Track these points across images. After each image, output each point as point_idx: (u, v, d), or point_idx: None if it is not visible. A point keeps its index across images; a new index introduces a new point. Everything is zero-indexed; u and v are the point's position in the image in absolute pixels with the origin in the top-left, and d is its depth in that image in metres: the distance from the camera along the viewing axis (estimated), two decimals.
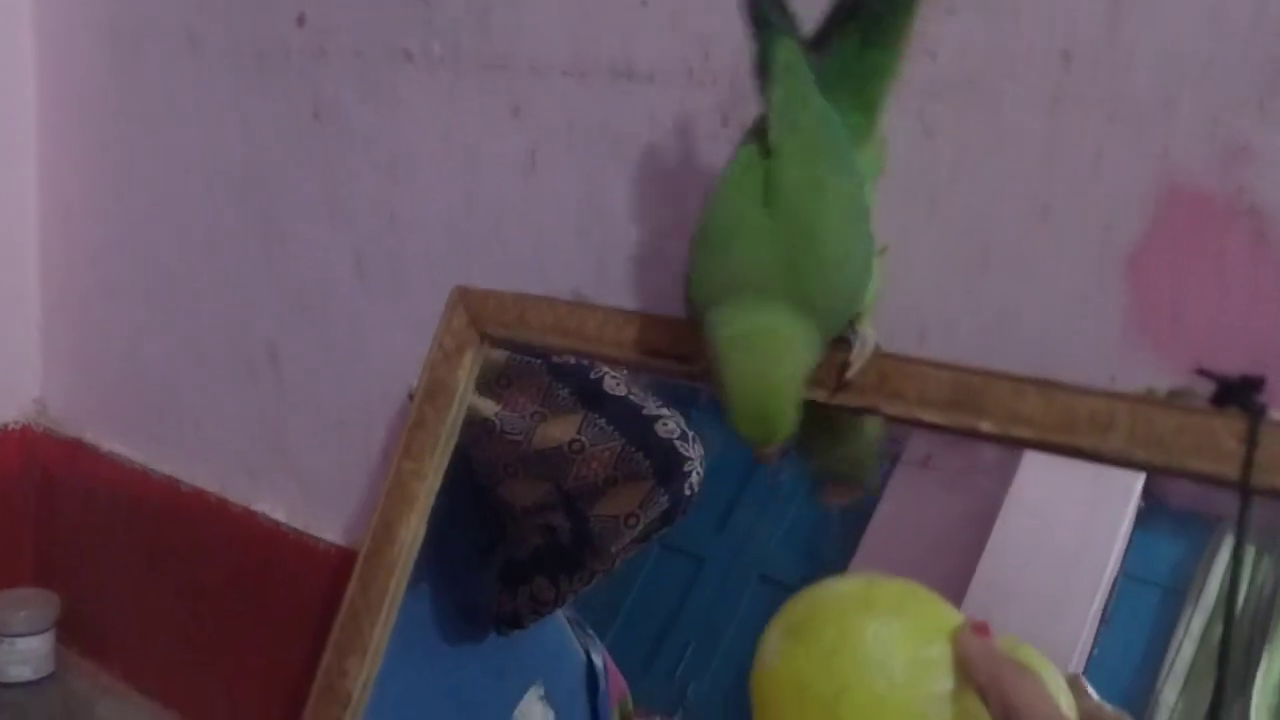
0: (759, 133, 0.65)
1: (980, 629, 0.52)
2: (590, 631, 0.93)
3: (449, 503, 0.92)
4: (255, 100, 1.10)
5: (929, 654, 0.52)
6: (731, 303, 0.62)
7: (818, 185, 0.63)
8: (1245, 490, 0.57)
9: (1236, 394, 0.58)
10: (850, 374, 0.66)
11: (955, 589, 0.68)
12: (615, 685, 0.91)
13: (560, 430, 0.86)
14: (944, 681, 0.51)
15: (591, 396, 0.86)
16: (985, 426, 0.64)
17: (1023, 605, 0.71)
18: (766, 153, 0.63)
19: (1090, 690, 0.65)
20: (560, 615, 0.92)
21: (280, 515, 1.14)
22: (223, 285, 1.17)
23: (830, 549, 0.81)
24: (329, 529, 1.10)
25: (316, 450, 1.11)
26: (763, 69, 0.66)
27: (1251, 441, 0.57)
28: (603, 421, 0.85)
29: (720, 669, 0.84)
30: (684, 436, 0.84)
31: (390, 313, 1.02)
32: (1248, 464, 0.57)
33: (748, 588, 0.85)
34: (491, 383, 0.88)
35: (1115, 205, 0.64)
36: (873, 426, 0.71)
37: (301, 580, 1.11)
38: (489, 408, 0.87)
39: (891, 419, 0.67)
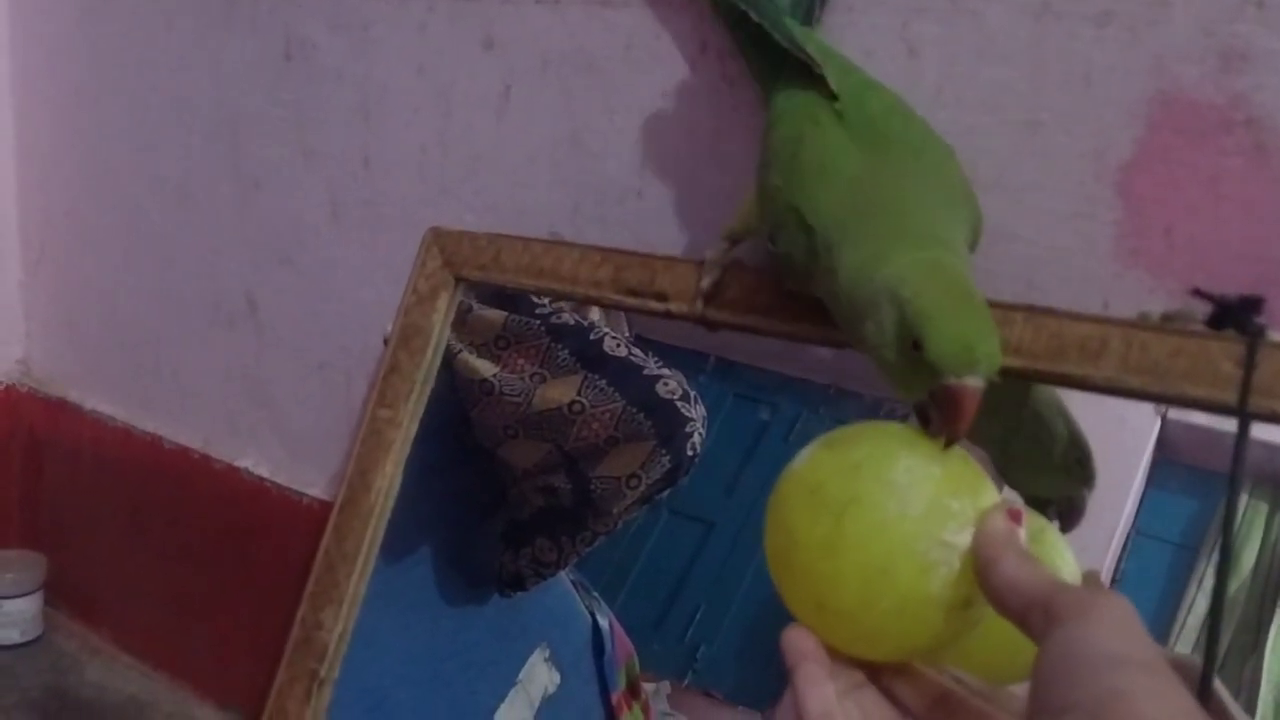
0: (801, 79, 0.62)
1: (1014, 515, 0.49)
2: (596, 594, 0.93)
3: (450, 464, 0.91)
4: (226, 41, 1.07)
5: (952, 505, 0.49)
6: (867, 242, 0.54)
7: (911, 119, 0.60)
8: (1243, 415, 0.54)
9: (1234, 316, 0.55)
10: None
11: None
12: (621, 648, 0.91)
13: (560, 391, 0.85)
14: (956, 534, 0.49)
15: (592, 357, 0.85)
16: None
17: None
18: (833, 97, 0.60)
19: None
20: (565, 578, 0.91)
21: (264, 471, 1.12)
22: (199, 233, 1.14)
23: None
24: (312, 484, 1.08)
25: (298, 402, 1.09)
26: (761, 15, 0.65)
27: (1249, 365, 0.54)
28: (603, 382, 0.84)
29: (729, 632, 0.84)
30: (685, 397, 0.82)
31: (367, 256, 1.00)
32: (1245, 388, 0.54)
33: (757, 551, 0.82)
34: (490, 344, 0.86)
35: (1106, 119, 0.61)
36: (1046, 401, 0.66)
37: (286, 536, 1.09)
38: (488, 369, 0.86)
39: None
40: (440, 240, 0.83)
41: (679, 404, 0.82)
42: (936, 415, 0.51)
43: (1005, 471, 0.67)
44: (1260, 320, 0.54)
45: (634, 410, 0.83)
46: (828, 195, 0.57)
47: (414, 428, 0.82)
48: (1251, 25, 0.56)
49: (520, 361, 0.86)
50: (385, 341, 0.84)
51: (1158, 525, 0.69)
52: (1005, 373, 0.59)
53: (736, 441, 0.86)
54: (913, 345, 0.50)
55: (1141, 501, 0.69)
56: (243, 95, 1.07)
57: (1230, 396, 0.54)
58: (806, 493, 0.52)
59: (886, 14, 0.67)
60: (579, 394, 0.84)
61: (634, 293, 0.74)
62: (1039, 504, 0.66)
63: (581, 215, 0.84)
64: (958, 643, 0.51)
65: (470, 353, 0.87)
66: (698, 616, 0.85)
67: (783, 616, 0.82)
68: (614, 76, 0.81)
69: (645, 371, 0.84)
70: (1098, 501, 0.69)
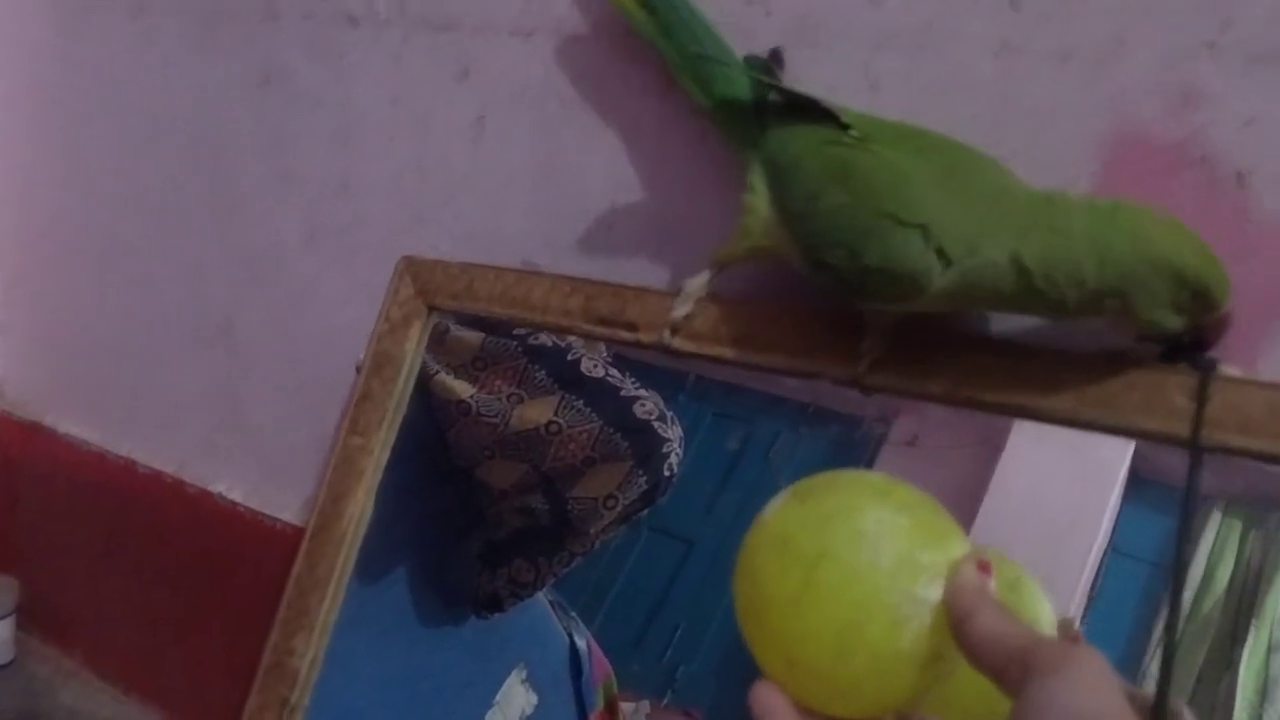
0: (793, 119, 0.64)
1: (983, 566, 0.50)
2: (573, 614, 0.93)
3: (426, 486, 0.91)
4: (205, 66, 1.08)
5: (922, 558, 0.50)
6: (1031, 229, 0.54)
7: (917, 130, 0.62)
8: (1196, 448, 0.55)
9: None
10: None
11: None
12: (599, 668, 0.91)
13: (537, 412, 0.85)
14: (927, 589, 0.49)
15: (569, 378, 0.85)
16: (933, 388, 0.62)
17: None
18: (842, 127, 0.60)
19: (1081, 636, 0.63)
20: (542, 598, 0.91)
21: (238, 495, 1.12)
22: (176, 256, 1.14)
23: None
24: (286, 508, 1.07)
25: (274, 426, 1.09)
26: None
27: (1202, 398, 0.55)
28: (580, 403, 0.85)
29: (709, 651, 0.85)
30: (662, 417, 0.83)
31: (344, 281, 1.00)
32: (1198, 421, 0.55)
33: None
34: (467, 365, 0.87)
35: (1065, 154, 0.61)
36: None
37: (260, 561, 1.09)
38: (465, 390, 0.87)
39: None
40: (413, 269, 0.83)
41: (656, 424, 0.83)
42: (1201, 340, 0.54)
43: None
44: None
45: (611, 431, 0.83)
46: (925, 198, 0.56)
47: (385, 455, 0.82)
48: (1206, 64, 0.57)
49: (497, 382, 0.86)
50: (357, 369, 0.85)
51: (1134, 543, 0.69)
52: (955, 401, 0.60)
53: (716, 460, 0.87)
54: (1192, 296, 0.52)
55: (1118, 519, 0.69)
56: (221, 119, 1.08)
57: (1183, 429, 0.55)
58: (776, 545, 0.52)
59: (850, 49, 0.68)
60: (556, 415, 0.85)
61: (604, 322, 0.75)
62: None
63: (556, 244, 0.85)
64: (930, 696, 0.51)
65: (447, 374, 0.87)
66: (677, 635, 0.86)
67: None
68: (587, 108, 0.82)
69: (623, 392, 0.84)
70: (1073, 520, 0.70)
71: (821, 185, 0.60)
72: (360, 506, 0.81)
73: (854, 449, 0.81)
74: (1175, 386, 0.56)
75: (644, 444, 0.83)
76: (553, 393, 0.85)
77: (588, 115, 0.82)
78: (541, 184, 0.85)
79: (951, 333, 0.61)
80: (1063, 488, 0.71)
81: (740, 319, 0.69)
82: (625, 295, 0.74)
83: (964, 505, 0.71)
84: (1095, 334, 0.61)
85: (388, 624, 0.91)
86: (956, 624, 0.48)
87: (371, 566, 0.88)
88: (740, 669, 0.84)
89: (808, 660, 0.50)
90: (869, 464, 0.79)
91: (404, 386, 0.82)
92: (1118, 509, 0.69)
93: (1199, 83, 0.57)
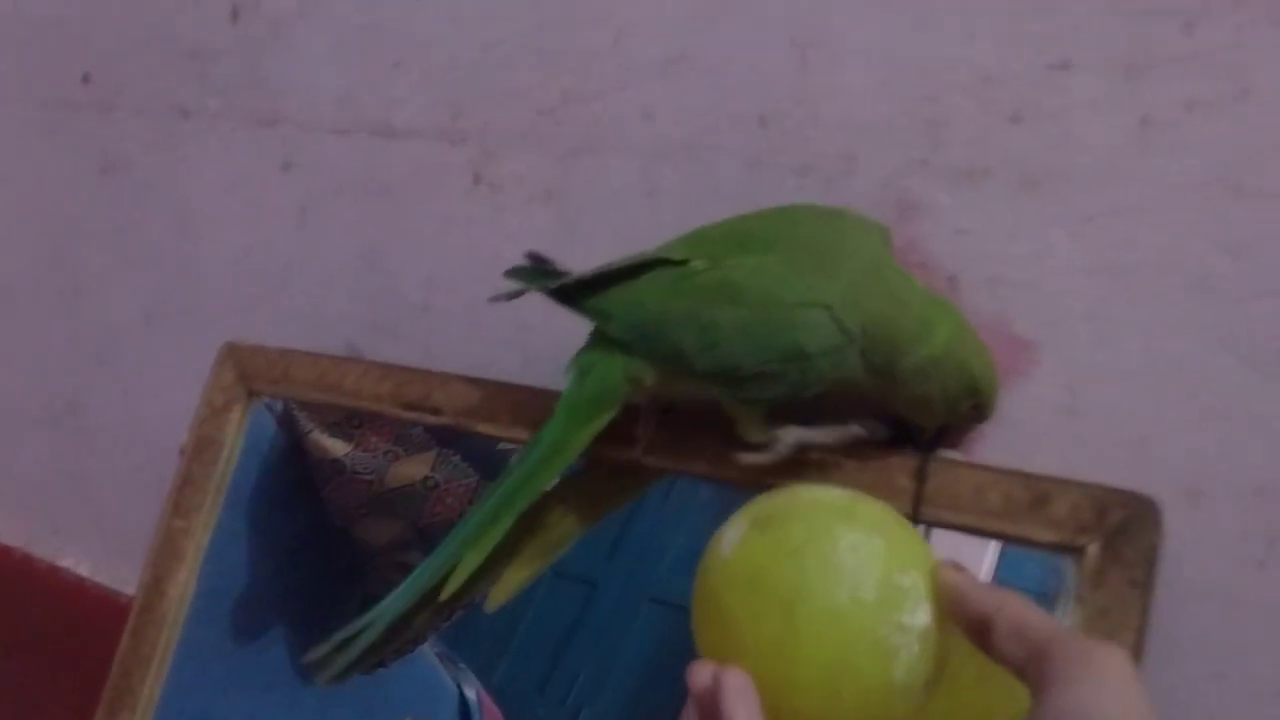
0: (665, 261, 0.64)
1: (957, 567, 0.49)
2: (462, 665, 0.93)
3: (306, 543, 0.92)
4: (46, 155, 1.11)
5: (903, 581, 0.48)
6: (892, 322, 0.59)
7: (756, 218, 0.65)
8: (915, 523, 0.61)
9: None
10: None
11: None
12: (490, 717, 0.92)
13: (413, 468, 0.86)
14: (913, 615, 0.47)
15: (446, 433, 0.86)
16: (699, 467, 0.68)
17: None
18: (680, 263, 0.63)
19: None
20: (428, 651, 0.92)
21: (84, 570, 1.13)
22: (20, 337, 1.16)
23: None
24: (130, 582, 1.09)
25: (119, 502, 1.11)
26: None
27: (921, 478, 0.61)
28: (457, 458, 0.86)
29: (613, 693, 0.85)
30: None
31: (182, 363, 1.03)
32: (918, 499, 0.61)
33: (640, 611, 0.87)
34: (343, 422, 0.88)
35: None
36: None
37: (105, 635, 1.10)
38: (339, 448, 0.88)
39: None
40: (234, 355, 0.87)
41: None
42: (962, 427, 0.61)
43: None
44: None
45: (489, 484, 0.85)
46: (809, 283, 0.59)
47: (207, 537, 0.85)
48: (921, 180, 0.64)
49: (373, 439, 0.87)
50: (181, 452, 0.88)
51: (1018, 576, 0.70)
52: (717, 478, 0.66)
53: None
54: (972, 405, 0.59)
55: (1002, 551, 0.70)
56: (63, 205, 1.10)
57: (906, 507, 0.61)
58: (745, 585, 0.49)
59: (629, 158, 0.74)
60: (432, 470, 0.86)
61: (412, 407, 0.79)
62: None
63: (377, 329, 0.89)
64: (922, 715, 0.49)
65: (322, 432, 0.88)
66: (580, 679, 0.86)
67: (666, 672, 0.84)
68: (402, 200, 0.87)
69: (500, 446, 0.84)
70: (959, 554, 0.74)
71: (710, 314, 0.60)
72: (182, 587, 0.84)
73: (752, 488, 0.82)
74: (899, 468, 0.62)
75: None
76: (429, 448, 0.86)
77: (403, 208, 0.87)
78: (362, 272, 0.89)
79: (704, 419, 0.66)
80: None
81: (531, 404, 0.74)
82: (431, 381, 0.79)
83: None
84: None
85: (268, 683, 0.91)
86: (980, 628, 0.46)
87: (251, 626, 0.90)
88: (645, 711, 0.86)
89: (795, 707, 0.48)
90: None
91: (225, 470, 0.85)
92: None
93: (915, 196, 0.64)
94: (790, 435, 0.61)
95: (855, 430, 0.62)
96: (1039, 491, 0.60)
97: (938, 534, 0.63)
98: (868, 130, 0.66)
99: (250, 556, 0.92)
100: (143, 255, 1.05)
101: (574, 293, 0.65)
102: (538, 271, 0.68)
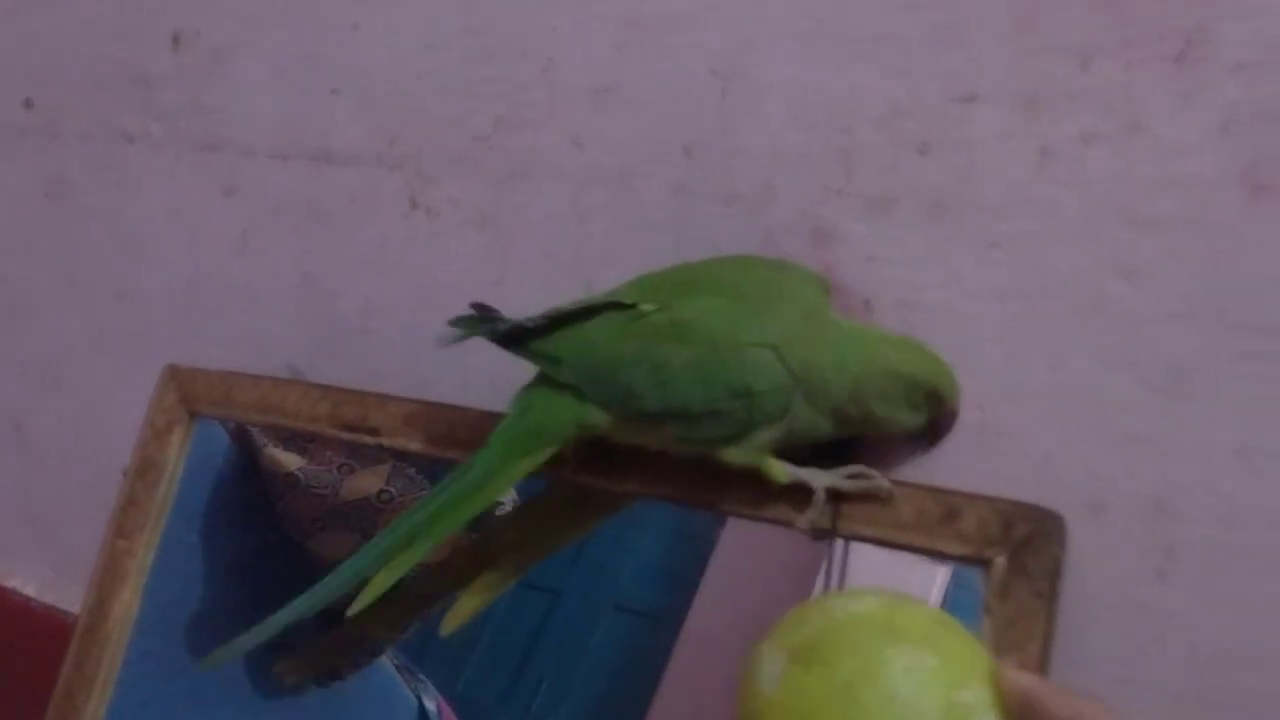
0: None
1: (1020, 669, 0.48)
2: (422, 676, 0.94)
3: (261, 557, 0.93)
4: None
5: (965, 698, 0.46)
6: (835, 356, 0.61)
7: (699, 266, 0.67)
8: (830, 535, 0.63)
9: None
10: None
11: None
12: None
13: (368, 482, 0.87)
14: None
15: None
16: (631, 486, 0.70)
17: None
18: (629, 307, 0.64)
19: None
20: (386, 662, 0.93)
21: (31, 590, 1.14)
22: None
23: (682, 572, 0.83)
24: (78, 601, 1.10)
25: (65, 523, 1.12)
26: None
27: (838, 495, 0.64)
28: (412, 470, 0.87)
29: (576, 701, 0.86)
30: None
31: (127, 384, 1.04)
32: (835, 516, 0.64)
33: (603, 618, 0.88)
34: (297, 437, 0.89)
35: None
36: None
37: (53, 656, 1.10)
38: (293, 462, 0.89)
39: None
40: (176, 377, 0.88)
41: None
42: (935, 432, 0.63)
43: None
44: None
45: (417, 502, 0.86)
46: (757, 324, 0.61)
47: (151, 557, 0.86)
48: (834, 209, 0.66)
49: (328, 453, 0.88)
50: (124, 473, 0.89)
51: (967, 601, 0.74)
52: (650, 497, 0.68)
53: None
54: (926, 396, 0.61)
55: (951, 578, 0.71)
56: (7, 230, 1.11)
57: (827, 521, 0.64)
58: None
59: (561, 185, 0.76)
60: (387, 483, 0.87)
61: (349, 427, 0.81)
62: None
63: (317, 351, 0.90)
64: None
65: (275, 447, 0.89)
66: (543, 687, 0.87)
67: (630, 679, 0.85)
68: (340, 225, 0.88)
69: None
70: (907, 583, 0.75)
71: (660, 353, 0.61)
72: (126, 608, 0.85)
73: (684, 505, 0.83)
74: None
75: None
76: (384, 461, 0.87)
77: (341, 232, 0.88)
78: (303, 295, 0.91)
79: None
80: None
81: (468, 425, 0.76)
82: (368, 402, 0.81)
83: (805, 577, 0.74)
84: None
85: (223, 697, 0.92)
86: None
87: (206, 642, 0.90)
88: (609, 718, 0.87)
89: None
90: (715, 534, 0.81)
91: (168, 491, 0.86)
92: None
93: (831, 224, 0.67)
94: (820, 480, 0.63)
95: (879, 480, 0.63)
96: (949, 506, 0.62)
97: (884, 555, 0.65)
98: (786, 160, 0.68)
99: (206, 572, 0.93)
100: (87, 279, 1.06)
101: (520, 338, 0.66)
102: (482, 320, 0.69)
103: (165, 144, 0.98)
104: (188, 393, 0.87)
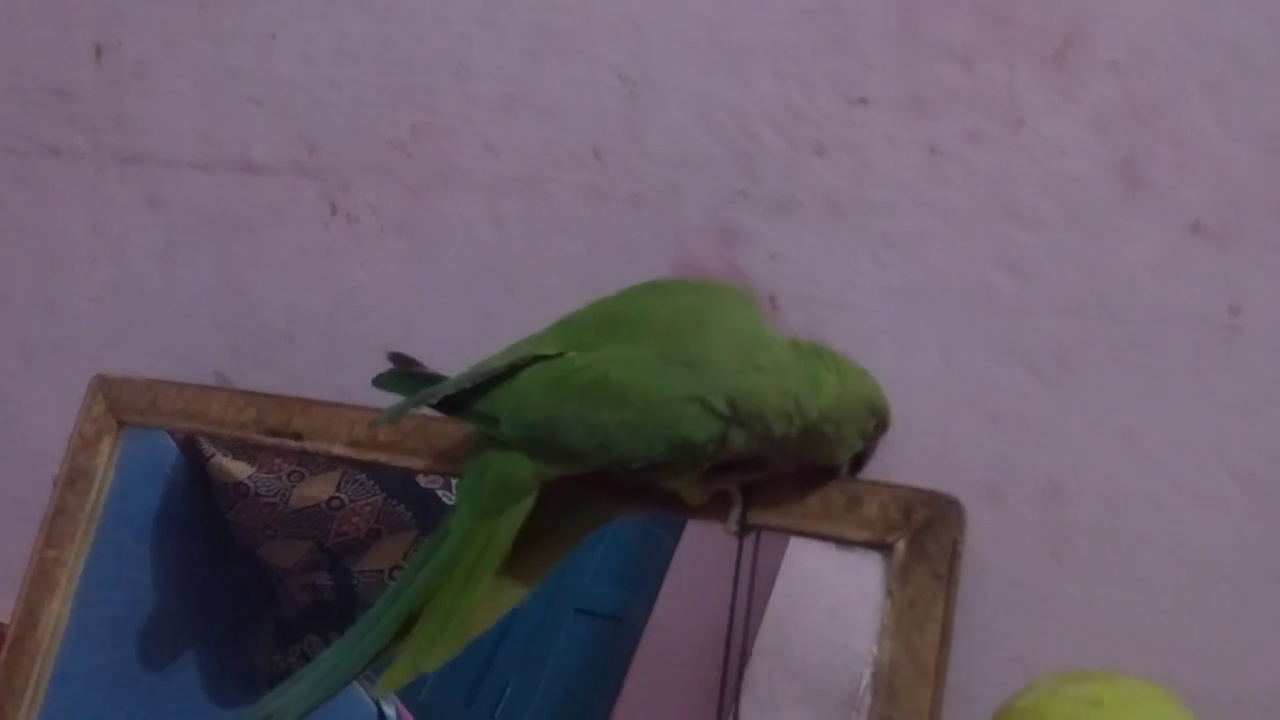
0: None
1: None
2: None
3: (213, 567, 0.93)
4: None
5: None
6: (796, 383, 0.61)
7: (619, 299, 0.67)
8: (742, 530, 0.65)
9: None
10: None
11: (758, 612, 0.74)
12: None
13: (318, 489, 0.87)
14: None
15: None
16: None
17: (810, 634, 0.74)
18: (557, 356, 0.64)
19: None
20: None
21: None
22: None
23: (641, 579, 0.84)
24: (5, 611, 1.10)
25: None
26: None
27: (747, 488, 0.66)
28: (363, 476, 0.87)
29: (539, 707, 0.86)
30: (447, 485, 0.84)
31: (56, 396, 1.04)
32: (745, 507, 0.66)
33: (565, 622, 0.87)
34: (246, 445, 0.88)
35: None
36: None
37: None
38: (242, 471, 0.88)
39: None
40: (104, 386, 0.89)
41: (440, 493, 0.84)
42: (863, 455, 0.64)
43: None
44: None
45: (394, 502, 0.85)
46: (683, 373, 0.60)
47: (80, 566, 0.87)
48: (739, 210, 0.69)
49: (277, 461, 0.87)
50: (54, 483, 0.89)
51: None
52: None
53: None
54: (877, 424, 0.63)
55: None
56: None
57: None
58: None
59: (477, 191, 0.78)
60: (338, 490, 0.86)
61: (274, 433, 0.82)
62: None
63: (243, 358, 0.91)
64: None
65: (225, 455, 0.88)
66: (508, 692, 0.87)
67: (593, 683, 0.85)
68: (262, 233, 0.89)
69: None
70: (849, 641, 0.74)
71: (596, 417, 0.61)
72: (56, 618, 0.86)
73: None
74: (727, 481, 0.66)
75: (428, 513, 0.85)
76: (334, 468, 0.86)
77: (263, 241, 0.89)
78: (227, 303, 0.91)
79: None
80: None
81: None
82: (292, 408, 0.82)
83: (777, 551, 0.74)
84: None
85: (178, 709, 0.92)
86: None
87: (160, 654, 0.90)
88: None
89: None
90: (676, 535, 0.82)
91: (97, 500, 0.87)
92: None
93: (736, 224, 0.69)
94: (733, 481, 0.65)
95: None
96: (853, 494, 0.65)
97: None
98: (692, 163, 0.70)
99: (155, 583, 0.93)
100: (14, 291, 1.06)
101: (458, 401, 0.66)
102: (405, 375, 0.69)
103: (89, 156, 0.98)
104: (115, 402, 0.88)
